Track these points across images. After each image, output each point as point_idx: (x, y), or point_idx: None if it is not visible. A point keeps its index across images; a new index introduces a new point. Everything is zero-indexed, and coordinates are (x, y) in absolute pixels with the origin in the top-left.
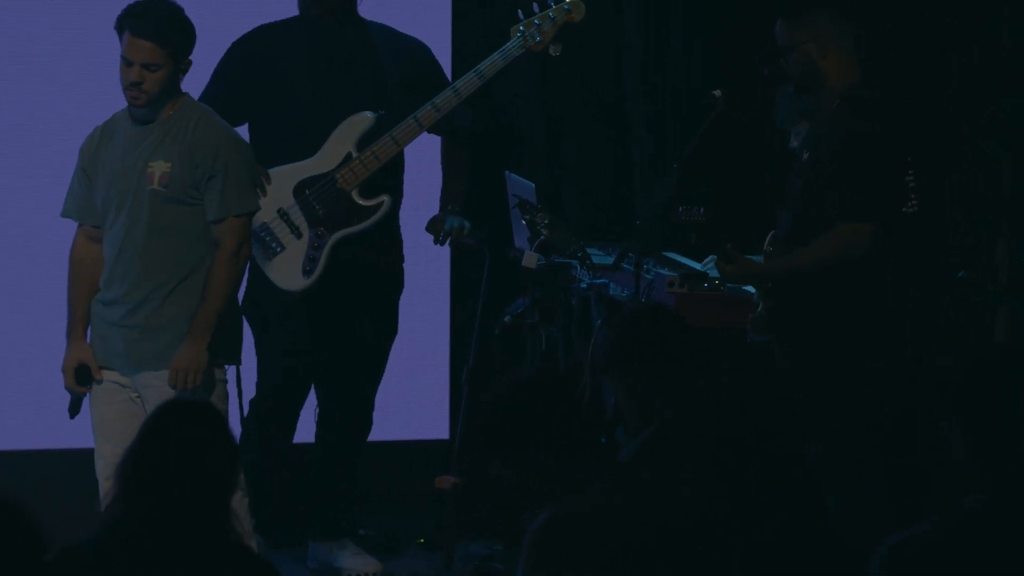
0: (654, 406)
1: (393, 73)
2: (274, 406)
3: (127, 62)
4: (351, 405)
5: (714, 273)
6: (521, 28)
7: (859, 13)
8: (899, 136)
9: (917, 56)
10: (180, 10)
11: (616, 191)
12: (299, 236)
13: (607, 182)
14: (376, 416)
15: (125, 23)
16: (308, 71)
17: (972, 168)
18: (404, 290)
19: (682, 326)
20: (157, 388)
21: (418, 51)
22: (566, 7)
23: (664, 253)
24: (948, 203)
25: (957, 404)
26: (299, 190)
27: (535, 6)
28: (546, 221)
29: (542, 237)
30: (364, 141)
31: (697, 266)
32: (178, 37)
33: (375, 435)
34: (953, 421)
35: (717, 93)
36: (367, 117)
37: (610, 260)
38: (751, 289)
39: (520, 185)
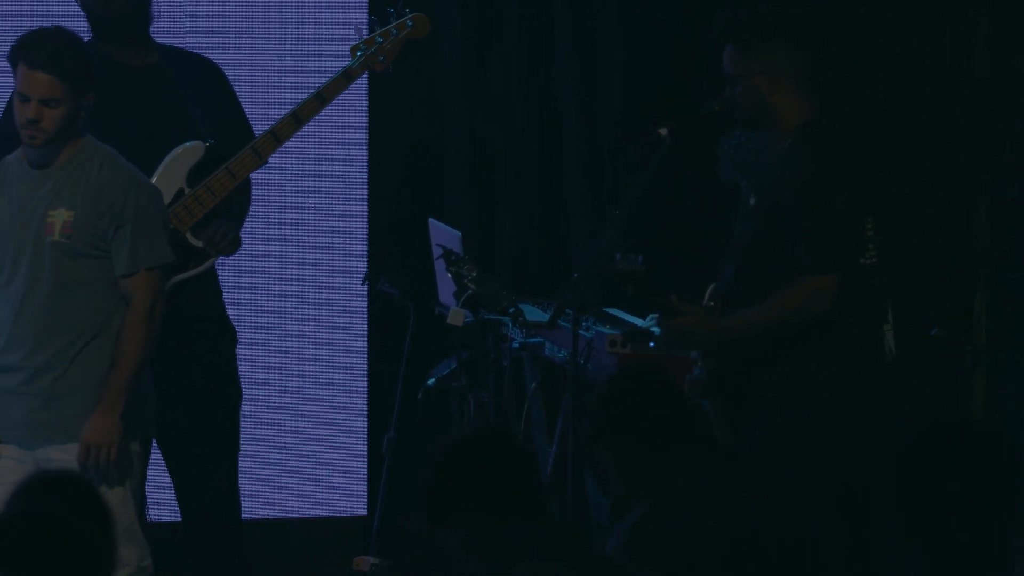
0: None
1: (198, 103)
2: None
3: (23, 98)
4: (207, 481)
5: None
6: (362, 47)
7: (820, 41)
8: (859, 180)
9: (889, 87)
10: (80, 40)
11: (551, 241)
12: None
13: (541, 231)
14: (285, 490)
15: (19, 55)
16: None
17: (945, 214)
18: (318, 349)
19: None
20: (62, 464)
21: (213, 72)
22: (409, 23)
23: (605, 309)
24: (919, 253)
25: (897, 485)
26: None
27: (375, 24)
28: (474, 274)
29: (469, 291)
30: (195, 175)
31: (641, 323)
32: (79, 69)
33: (284, 512)
34: (893, 503)
35: (663, 131)
36: (198, 147)
37: (545, 317)
38: None
39: (445, 233)
